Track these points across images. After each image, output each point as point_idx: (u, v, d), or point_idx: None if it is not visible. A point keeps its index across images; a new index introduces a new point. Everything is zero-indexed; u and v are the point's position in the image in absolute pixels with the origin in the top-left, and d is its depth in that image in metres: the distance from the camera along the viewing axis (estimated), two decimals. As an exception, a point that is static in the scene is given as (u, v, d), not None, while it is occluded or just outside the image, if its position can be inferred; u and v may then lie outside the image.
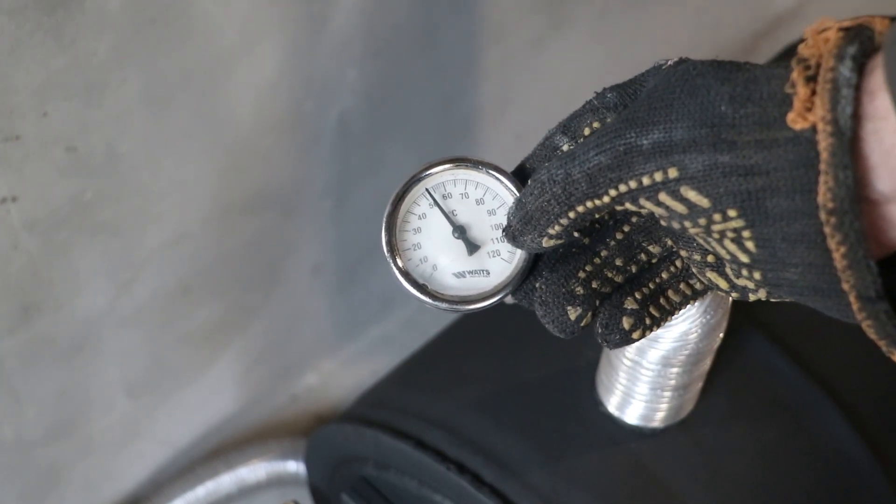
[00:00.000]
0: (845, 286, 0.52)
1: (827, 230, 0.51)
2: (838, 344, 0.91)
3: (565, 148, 0.61)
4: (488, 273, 0.63)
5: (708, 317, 0.71)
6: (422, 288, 0.63)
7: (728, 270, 0.59)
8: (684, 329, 0.72)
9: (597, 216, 0.59)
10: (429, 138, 1.19)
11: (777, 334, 0.89)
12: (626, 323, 0.61)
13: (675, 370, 0.76)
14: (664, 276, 0.62)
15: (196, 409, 1.17)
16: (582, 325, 0.61)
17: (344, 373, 1.30)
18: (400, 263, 0.63)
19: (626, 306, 0.61)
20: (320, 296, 1.23)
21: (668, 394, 0.78)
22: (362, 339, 1.31)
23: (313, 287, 1.21)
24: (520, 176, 0.63)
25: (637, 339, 0.61)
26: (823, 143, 0.50)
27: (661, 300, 0.62)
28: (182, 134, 0.94)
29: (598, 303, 0.61)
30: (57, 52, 0.80)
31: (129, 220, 0.95)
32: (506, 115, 1.26)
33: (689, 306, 0.64)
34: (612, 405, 0.81)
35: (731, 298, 0.72)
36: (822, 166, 0.51)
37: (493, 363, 0.91)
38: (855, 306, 0.53)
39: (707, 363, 0.78)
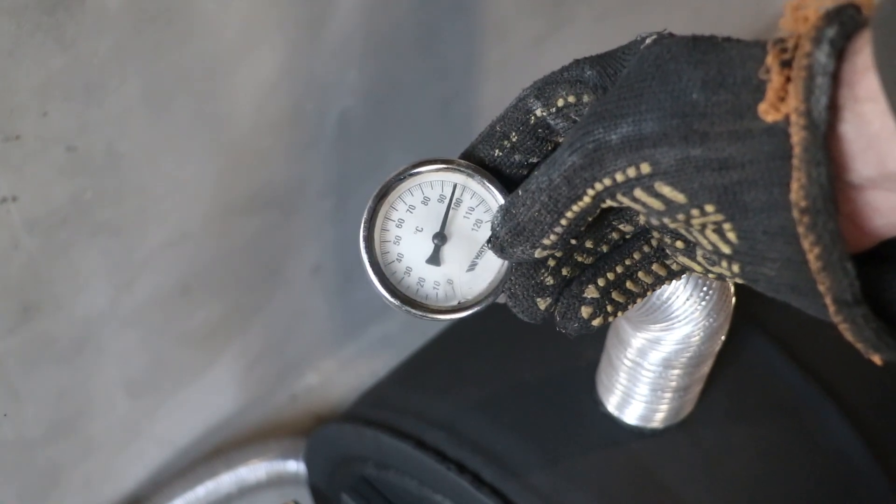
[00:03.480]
0: (821, 287, 0.49)
1: (800, 230, 0.48)
2: (838, 344, 0.91)
3: (539, 112, 0.58)
4: (473, 280, 0.61)
5: (711, 320, 0.71)
6: (408, 301, 0.61)
7: (700, 258, 0.57)
8: (687, 332, 0.72)
9: (589, 219, 0.57)
10: (429, 138, 1.19)
11: (777, 334, 0.89)
12: (584, 312, 0.59)
13: (676, 372, 0.76)
14: (636, 256, 0.60)
15: (196, 409, 1.17)
16: (552, 311, 0.60)
17: (344, 373, 1.30)
18: (383, 276, 0.60)
19: (585, 295, 0.59)
20: (320, 296, 1.23)
21: (668, 395, 0.78)
22: (362, 339, 1.31)
23: (313, 287, 1.21)
24: (489, 141, 0.60)
25: (598, 326, 0.59)
26: (796, 136, 0.47)
27: (629, 284, 0.60)
28: (182, 134, 0.94)
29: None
30: (57, 52, 0.79)
31: (129, 220, 0.95)
32: (506, 115, 1.25)
33: (663, 286, 0.61)
34: (612, 405, 0.81)
35: (733, 300, 0.72)
36: (795, 161, 0.47)
37: (493, 363, 0.91)
38: (831, 309, 0.50)
39: (708, 365, 0.78)
